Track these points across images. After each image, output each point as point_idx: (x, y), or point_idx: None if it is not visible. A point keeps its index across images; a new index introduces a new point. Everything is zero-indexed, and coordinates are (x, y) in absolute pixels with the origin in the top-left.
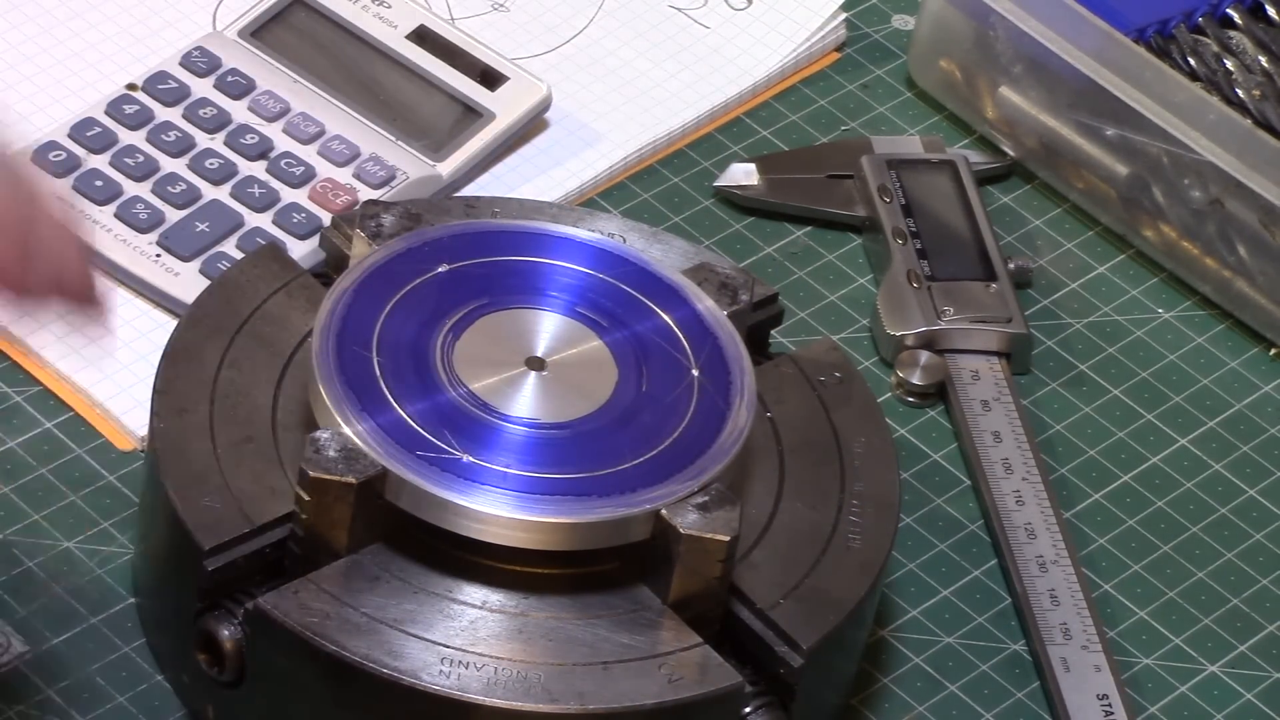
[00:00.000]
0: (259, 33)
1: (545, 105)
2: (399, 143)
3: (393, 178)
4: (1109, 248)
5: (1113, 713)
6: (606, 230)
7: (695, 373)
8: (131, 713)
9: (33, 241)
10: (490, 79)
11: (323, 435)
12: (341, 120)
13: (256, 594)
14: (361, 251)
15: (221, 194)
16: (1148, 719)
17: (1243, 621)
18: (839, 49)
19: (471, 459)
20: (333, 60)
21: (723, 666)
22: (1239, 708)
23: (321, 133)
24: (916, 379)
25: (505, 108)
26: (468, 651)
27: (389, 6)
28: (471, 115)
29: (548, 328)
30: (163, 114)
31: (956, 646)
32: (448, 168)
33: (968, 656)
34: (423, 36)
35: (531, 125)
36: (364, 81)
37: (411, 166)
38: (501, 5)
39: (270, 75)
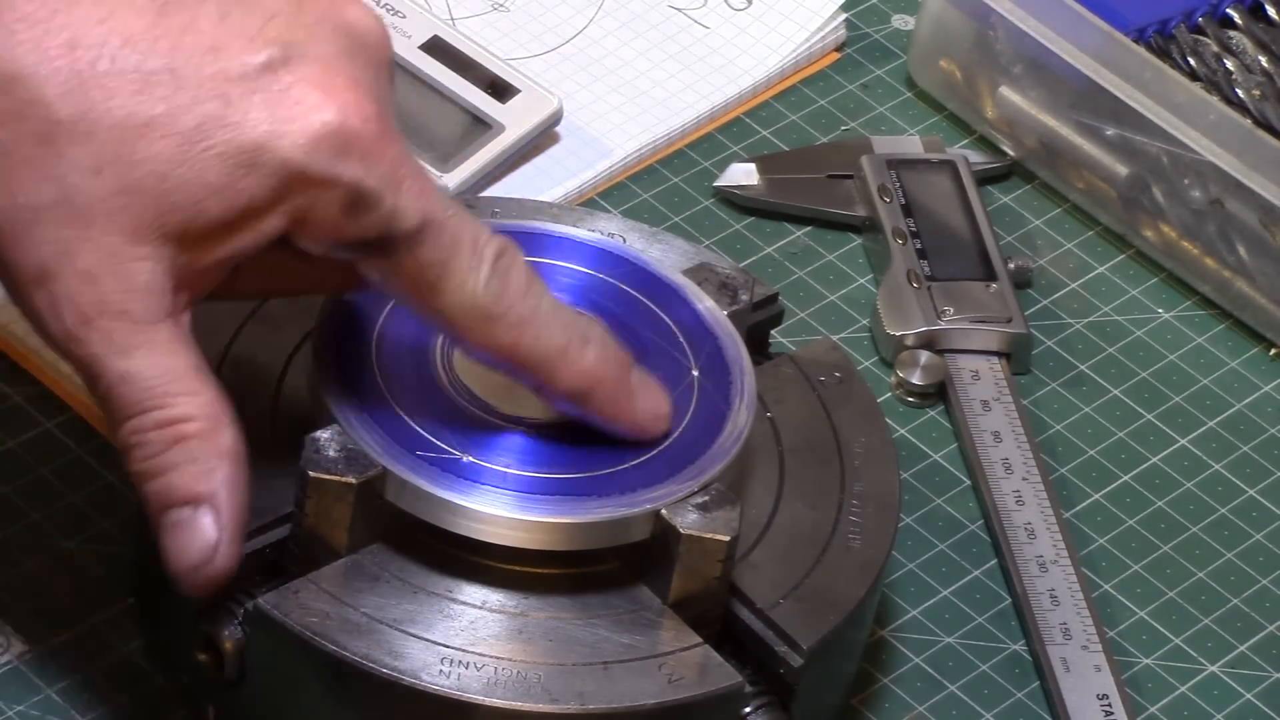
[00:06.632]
0: None
1: (556, 118)
2: None
3: None
4: (1109, 248)
5: (1113, 713)
6: (606, 230)
7: (695, 373)
8: (131, 713)
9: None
10: (501, 90)
11: (323, 435)
12: None
13: (256, 594)
14: None
15: None
16: (1148, 719)
17: (1243, 621)
18: (839, 49)
19: (471, 459)
20: None
21: (723, 666)
22: (1239, 708)
23: None
24: (916, 379)
25: (515, 120)
26: (468, 651)
27: (403, 16)
28: (481, 127)
29: None
30: None
31: (956, 646)
32: (455, 178)
33: (968, 656)
34: (436, 47)
35: (542, 138)
36: None
37: None
38: (501, 5)
39: None
